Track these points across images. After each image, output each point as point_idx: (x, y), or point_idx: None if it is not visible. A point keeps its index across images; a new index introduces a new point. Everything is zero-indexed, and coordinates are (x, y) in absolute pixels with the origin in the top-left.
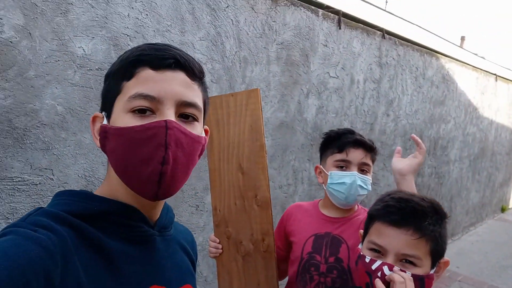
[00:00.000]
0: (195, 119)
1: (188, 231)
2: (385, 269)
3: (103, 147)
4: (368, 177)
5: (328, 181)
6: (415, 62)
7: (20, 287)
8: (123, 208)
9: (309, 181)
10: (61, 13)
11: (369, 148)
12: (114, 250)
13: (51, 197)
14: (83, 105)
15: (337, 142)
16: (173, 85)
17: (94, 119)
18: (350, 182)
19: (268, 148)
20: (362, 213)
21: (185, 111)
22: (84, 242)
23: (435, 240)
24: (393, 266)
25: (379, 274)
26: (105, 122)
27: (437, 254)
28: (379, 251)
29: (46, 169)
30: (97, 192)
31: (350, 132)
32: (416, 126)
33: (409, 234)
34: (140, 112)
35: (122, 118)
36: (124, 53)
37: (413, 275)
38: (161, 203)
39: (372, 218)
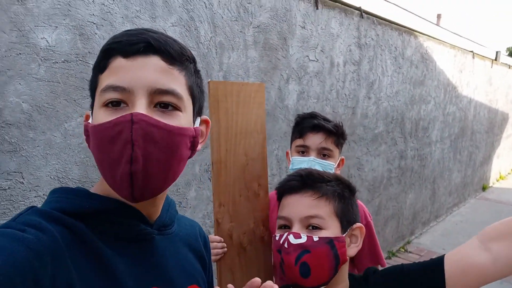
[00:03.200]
0: (176, 108)
1: (193, 224)
2: (291, 238)
3: (89, 146)
4: (330, 162)
5: (290, 166)
6: (394, 42)
7: None
8: (119, 206)
9: None
10: (18, 1)
11: (329, 132)
12: (109, 250)
13: (22, 203)
14: (50, 101)
15: (298, 127)
16: (145, 72)
17: (87, 117)
18: (307, 167)
19: None
20: None
21: (161, 100)
22: (78, 241)
23: (337, 199)
24: (299, 234)
25: (286, 245)
26: (91, 120)
27: (344, 215)
28: (287, 226)
29: (15, 172)
30: (93, 189)
31: (312, 116)
32: (397, 108)
33: (308, 195)
34: (115, 105)
35: (97, 114)
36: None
37: (320, 238)
38: (159, 200)
39: (278, 196)
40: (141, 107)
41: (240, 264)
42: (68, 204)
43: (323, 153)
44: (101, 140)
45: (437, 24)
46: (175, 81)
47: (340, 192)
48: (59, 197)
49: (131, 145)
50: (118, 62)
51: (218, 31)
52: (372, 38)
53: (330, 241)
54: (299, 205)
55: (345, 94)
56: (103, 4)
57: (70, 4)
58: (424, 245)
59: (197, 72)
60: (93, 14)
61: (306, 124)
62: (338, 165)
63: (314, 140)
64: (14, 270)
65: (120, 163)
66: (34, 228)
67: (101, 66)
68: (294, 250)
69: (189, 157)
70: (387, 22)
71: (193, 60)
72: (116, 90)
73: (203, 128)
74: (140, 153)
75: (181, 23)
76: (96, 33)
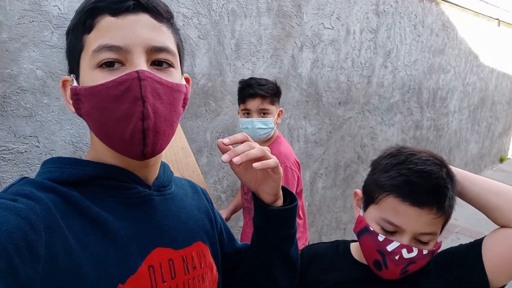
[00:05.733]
0: (170, 65)
1: (191, 183)
2: (404, 252)
3: (78, 111)
4: (268, 118)
5: (239, 126)
6: (413, 9)
7: (0, 259)
8: (113, 170)
9: (305, 139)
10: None
11: (264, 96)
12: (107, 215)
13: (38, 165)
14: (63, 68)
15: (240, 94)
16: (139, 29)
17: (64, 83)
18: (251, 127)
19: None
20: (273, 144)
21: (157, 58)
22: (73, 208)
23: (450, 213)
24: (412, 248)
25: (397, 257)
26: (75, 84)
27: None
28: (393, 231)
29: (30, 136)
30: (85, 157)
31: (249, 85)
32: (414, 78)
33: (432, 213)
34: (108, 65)
35: (90, 76)
36: (81, 4)
37: (428, 251)
38: (156, 161)
39: (384, 188)
40: (142, 65)
41: None
42: (61, 174)
43: (263, 112)
44: (104, 100)
45: None
46: (167, 38)
47: (454, 203)
48: (51, 167)
49: (142, 102)
50: (107, 21)
51: None
52: (391, 5)
53: (433, 252)
54: (419, 221)
55: (360, 62)
56: None
57: None
58: None
59: (178, 30)
60: None
61: (245, 93)
62: (278, 115)
63: (254, 104)
64: (6, 238)
65: (130, 121)
66: (25, 198)
67: (86, 26)
68: (403, 262)
69: (181, 115)
70: None
71: (174, 17)
72: (111, 49)
73: (187, 85)
74: (151, 110)
75: None
76: None
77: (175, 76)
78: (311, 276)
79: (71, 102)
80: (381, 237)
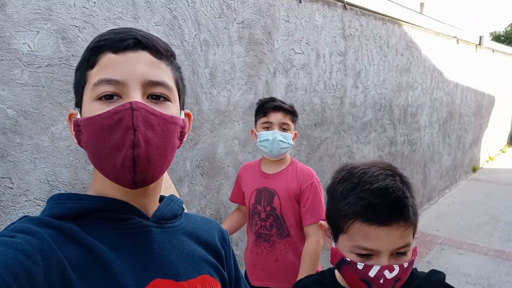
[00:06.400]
0: (166, 99)
1: (208, 221)
2: (387, 273)
3: (79, 142)
4: (288, 134)
5: (257, 140)
6: (378, 31)
7: None
8: (110, 202)
9: None
10: None
11: (286, 111)
12: (103, 247)
13: (13, 208)
14: (35, 106)
15: (262, 108)
16: (137, 65)
17: (70, 117)
18: (272, 138)
19: (240, 133)
20: (292, 165)
21: (153, 91)
22: (71, 241)
23: (417, 221)
24: (393, 267)
25: (381, 281)
26: (79, 116)
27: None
28: (369, 255)
29: (3, 178)
30: (88, 191)
31: (272, 100)
32: (385, 96)
33: (401, 226)
34: (108, 98)
35: (90, 107)
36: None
37: (409, 263)
38: (154, 192)
39: (348, 216)
40: (137, 97)
41: None
42: (60, 209)
43: (283, 127)
44: (99, 129)
45: (421, 12)
46: (164, 73)
47: (416, 208)
48: (52, 204)
49: (133, 131)
50: (108, 58)
51: (202, 28)
52: (356, 29)
53: (412, 261)
54: (391, 239)
55: (332, 84)
56: (85, 7)
57: (51, 8)
58: (418, 227)
59: (179, 67)
60: (75, 18)
61: (268, 105)
62: (293, 138)
63: (276, 117)
64: (4, 270)
65: (121, 149)
66: (22, 233)
67: (90, 62)
68: (389, 283)
69: (177, 147)
70: (370, 13)
71: (175, 57)
72: (109, 83)
73: (186, 120)
74: (142, 138)
75: (164, 22)
76: (78, 36)
77: (171, 110)
78: None
79: (73, 133)
80: (360, 265)
